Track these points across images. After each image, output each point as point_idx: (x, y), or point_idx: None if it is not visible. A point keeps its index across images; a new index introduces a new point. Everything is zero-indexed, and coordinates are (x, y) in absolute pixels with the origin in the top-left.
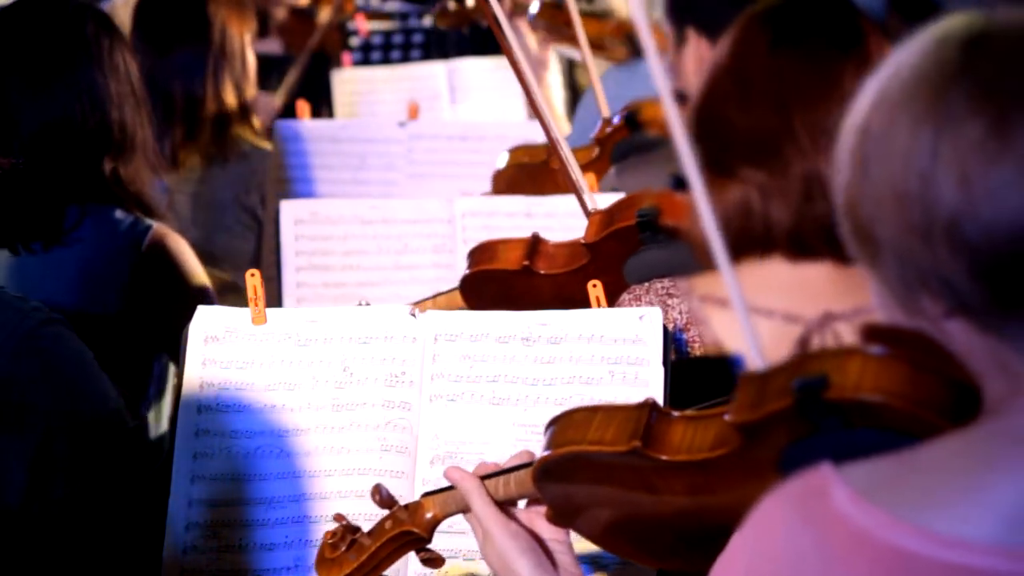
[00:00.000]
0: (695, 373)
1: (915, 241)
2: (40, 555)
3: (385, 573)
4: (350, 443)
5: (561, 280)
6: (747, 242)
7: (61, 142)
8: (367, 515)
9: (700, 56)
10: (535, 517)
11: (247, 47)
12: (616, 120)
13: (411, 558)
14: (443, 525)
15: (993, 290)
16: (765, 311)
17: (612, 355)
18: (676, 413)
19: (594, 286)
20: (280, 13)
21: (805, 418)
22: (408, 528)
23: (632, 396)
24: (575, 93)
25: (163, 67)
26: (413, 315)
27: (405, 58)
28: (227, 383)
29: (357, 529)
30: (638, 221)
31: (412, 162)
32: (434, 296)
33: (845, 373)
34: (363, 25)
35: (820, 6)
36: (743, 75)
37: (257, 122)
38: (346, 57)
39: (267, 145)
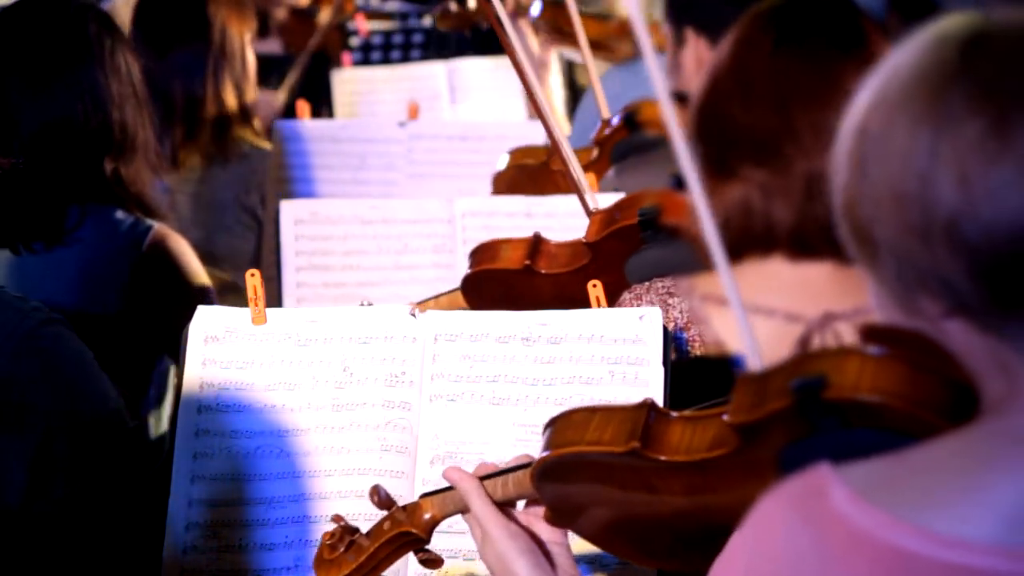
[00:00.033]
0: (695, 373)
1: (914, 241)
2: (40, 555)
3: (384, 574)
4: (350, 443)
5: (563, 280)
6: (748, 241)
7: (62, 142)
8: (367, 515)
9: (699, 56)
10: (533, 518)
11: (247, 47)
12: (615, 121)
13: (411, 558)
14: (443, 525)
15: (992, 290)
16: (766, 310)
17: (612, 355)
18: (674, 414)
19: (594, 286)
20: (280, 13)
21: (804, 418)
22: (406, 529)
23: (632, 396)
24: (575, 93)
25: (163, 67)
26: (413, 315)
27: (405, 58)
28: (227, 383)
29: (355, 530)
30: (640, 220)
31: (412, 162)
32: (436, 296)
33: (843, 373)
34: (363, 25)
35: (822, 6)
36: (745, 74)
37: (257, 122)
38: (346, 57)
39: (267, 145)
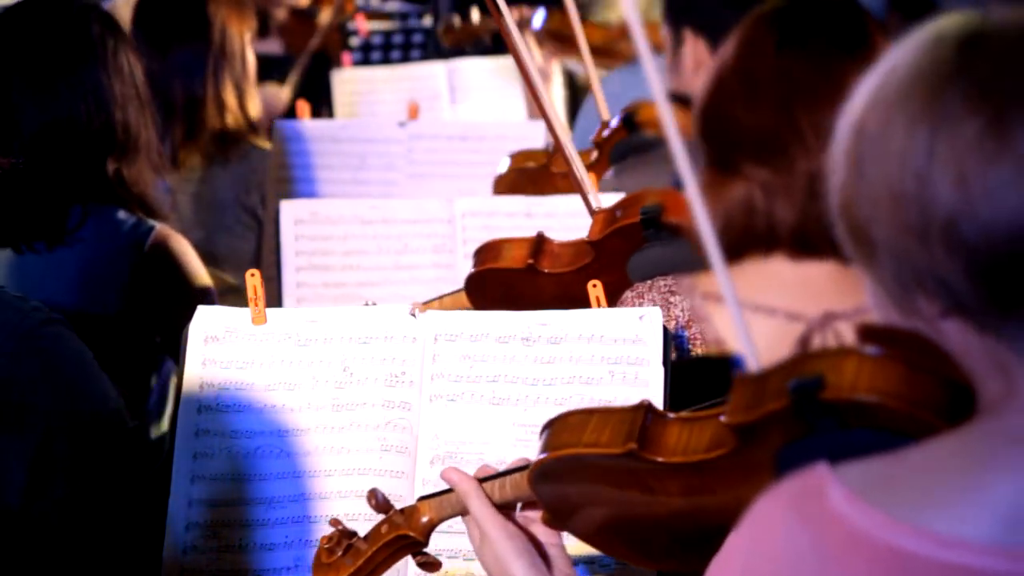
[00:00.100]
0: (695, 373)
1: (911, 241)
2: (40, 555)
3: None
4: (350, 443)
5: (566, 279)
6: (750, 240)
7: (65, 142)
8: (367, 515)
9: (697, 56)
10: (530, 521)
11: (247, 47)
12: (614, 122)
13: (411, 560)
14: (444, 526)
15: (990, 290)
16: (767, 309)
17: (612, 355)
18: (671, 415)
19: (594, 286)
20: (280, 13)
21: (801, 419)
22: (404, 532)
23: (632, 396)
24: (575, 93)
25: (163, 67)
26: (413, 315)
27: (405, 58)
28: (227, 383)
29: (353, 534)
30: (642, 218)
31: (412, 162)
32: (440, 297)
33: (841, 373)
34: (363, 25)
35: (826, 7)
36: (749, 74)
37: (257, 115)
38: (346, 57)
39: (267, 145)
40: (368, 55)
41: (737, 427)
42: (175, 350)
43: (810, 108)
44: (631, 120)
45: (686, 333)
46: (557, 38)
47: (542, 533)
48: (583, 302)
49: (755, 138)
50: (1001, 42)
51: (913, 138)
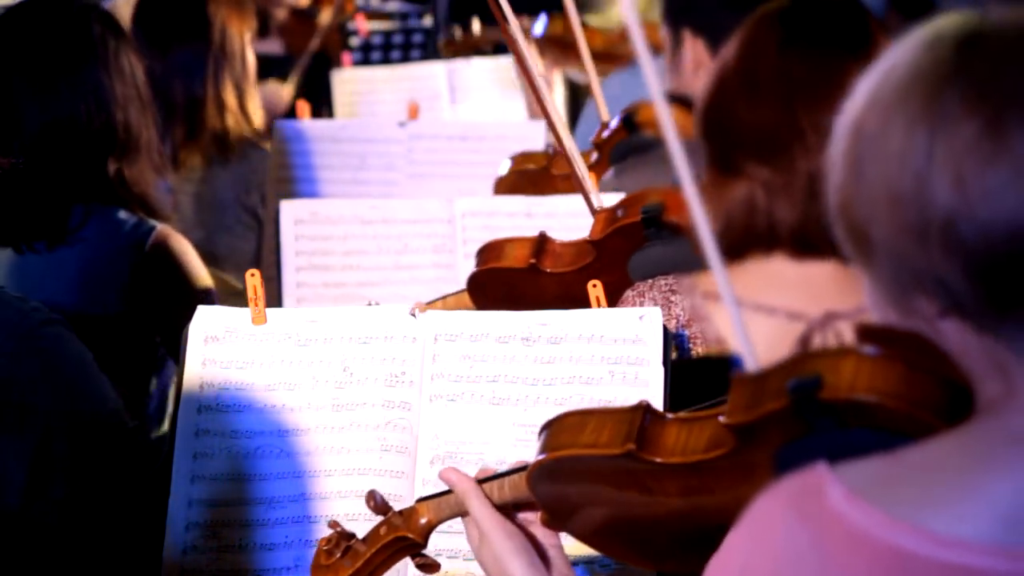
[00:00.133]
0: (695, 373)
1: (910, 242)
2: (40, 555)
3: None
4: (350, 443)
5: (568, 279)
6: (751, 240)
7: (66, 142)
8: (367, 515)
9: (696, 57)
10: (529, 523)
11: (247, 47)
12: (614, 123)
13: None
14: (444, 526)
15: (988, 290)
16: (767, 309)
17: (612, 355)
18: (670, 415)
19: (594, 286)
20: (281, 13)
21: (800, 419)
22: (403, 534)
23: (632, 396)
24: (575, 96)
25: (163, 67)
26: (413, 315)
27: (405, 58)
28: (227, 383)
29: (352, 535)
30: (643, 217)
31: (412, 162)
32: (444, 297)
33: (839, 373)
34: (363, 25)
35: (830, 7)
36: (752, 73)
37: (258, 120)
38: (346, 57)
39: (267, 145)
40: (368, 55)
41: (736, 427)
42: (175, 350)
43: (812, 108)
44: (631, 121)
45: (687, 332)
46: (558, 44)
47: (541, 534)
48: (585, 302)
49: (757, 137)
50: (1000, 42)
51: (912, 138)
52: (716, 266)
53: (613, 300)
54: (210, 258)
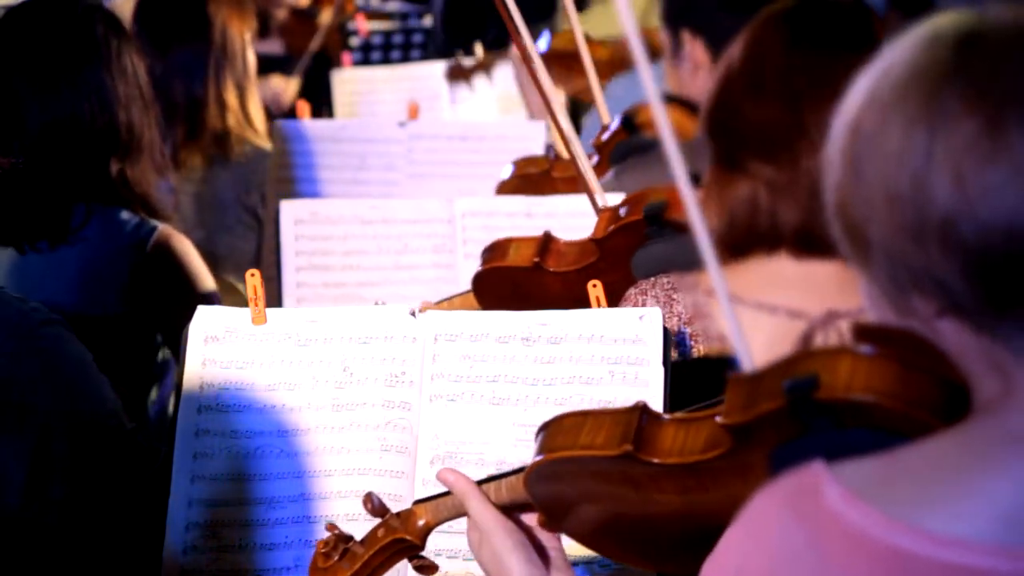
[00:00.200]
0: (696, 373)
1: (907, 241)
2: (40, 556)
3: None
4: (350, 443)
5: (571, 278)
6: (754, 238)
7: (68, 142)
8: (367, 516)
9: (696, 59)
10: (529, 525)
11: (248, 47)
12: (613, 124)
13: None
14: (443, 526)
15: (986, 290)
16: (769, 307)
17: (612, 355)
18: (667, 416)
19: (594, 286)
20: (281, 13)
21: (796, 419)
22: (401, 536)
23: (632, 396)
24: (575, 107)
25: (164, 67)
26: (413, 315)
27: (405, 58)
28: (227, 383)
29: (350, 538)
30: (645, 215)
31: (412, 162)
32: (450, 298)
33: (835, 373)
34: (363, 25)
35: (835, 7)
36: (758, 73)
37: (260, 122)
38: (346, 57)
39: (267, 145)
40: (368, 55)
41: (733, 427)
42: (176, 350)
43: (817, 107)
44: (630, 122)
45: (688, 330)
46: (564, 58)
47: (542, 537)
48: (588, 301)
49: (761, 136)
50: (998, 41)
51: (910, 138)
52: (712, 266)
53: (616, 298)
54: (210, 258)
